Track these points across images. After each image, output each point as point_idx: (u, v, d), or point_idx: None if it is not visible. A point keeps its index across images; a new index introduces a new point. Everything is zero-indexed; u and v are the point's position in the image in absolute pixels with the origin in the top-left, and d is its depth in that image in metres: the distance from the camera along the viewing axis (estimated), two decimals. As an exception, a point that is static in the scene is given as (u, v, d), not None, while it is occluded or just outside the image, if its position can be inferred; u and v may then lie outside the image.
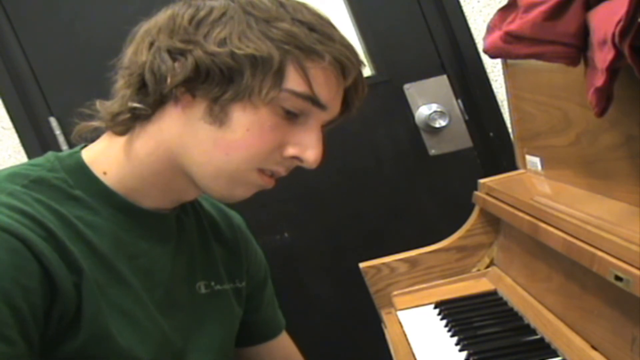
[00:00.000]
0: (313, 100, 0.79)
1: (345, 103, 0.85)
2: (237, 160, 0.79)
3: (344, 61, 0.79)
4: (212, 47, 0.75)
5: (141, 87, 0.79)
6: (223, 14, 0.77)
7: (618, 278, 0.70)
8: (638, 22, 0.62)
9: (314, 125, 0.82)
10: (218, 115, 0.78)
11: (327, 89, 0.80)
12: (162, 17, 0.81)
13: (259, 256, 1.08)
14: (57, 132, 1.89)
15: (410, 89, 1.94)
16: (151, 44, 0.79)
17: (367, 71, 1.90)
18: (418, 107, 1.94)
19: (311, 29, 0.78)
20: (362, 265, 1.29)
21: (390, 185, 1.97)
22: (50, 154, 0.84)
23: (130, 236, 0.83)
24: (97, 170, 0.83)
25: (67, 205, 0.78)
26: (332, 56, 0.78)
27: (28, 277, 0.69)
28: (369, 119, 1.92)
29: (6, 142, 1.86)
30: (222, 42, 0.76)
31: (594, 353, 0.81)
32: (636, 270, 0.67)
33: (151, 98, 0.79)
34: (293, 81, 0.77)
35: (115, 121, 0.81)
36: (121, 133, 0.83)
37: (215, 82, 0.76)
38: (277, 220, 1.96)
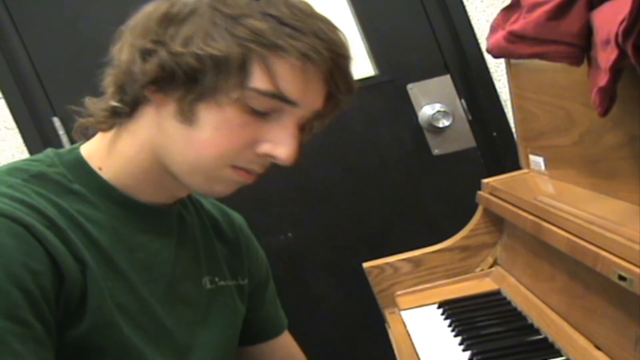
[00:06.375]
0: (280, 97, 0.77)
1: (330, 97, 0.83)
2: (209, 158, 0.79)
3: (312, 55, 0.76)
4: (176, 48, 0.75)
5: (121, 86, 0.80)
6: (192, 12, 0.77)
7: (622, 278, 0.70)
8: (641, 21, 0.62)
9: (287, 122, 0.80)
10: (187, 115, 0.78)
11: (296, 85, 0.78)
12: (140, 14, 0.81)
13: (260, 255, 1.08)
14: (61, 132, 1.89)
15: (414, 89, 1.94)
16: (131, 43, 0.79)
17: (370, 71, 1.89)
18: (421, 107, 1.94)
19: (282, 22, 0.76)
20: (365, 265, 1.29)
21: (394, 185, 1.97)
22: (49, 150, 0.86)
23: (129, 230, 0.83)
24: (94, 165, 0.84)
25: (66, 198, 0.79)
26: (298, 50, 0.75)
27: (36, 261, 0.69)
28: (372, 119, 1.92)
29: (9, 142, 1.87)
30: (186, 42, 0.75)
31: (597, 353, 0.81)
32: (640, 270, 0.67)
33: (129, 97, 0.80)
34: (258, 79, 0.76)
35: (97, 118, 0.82)
36: (105, 130, 0.84)
37: (180, 83, 0.76)
38: (281, 221, 1.96)
